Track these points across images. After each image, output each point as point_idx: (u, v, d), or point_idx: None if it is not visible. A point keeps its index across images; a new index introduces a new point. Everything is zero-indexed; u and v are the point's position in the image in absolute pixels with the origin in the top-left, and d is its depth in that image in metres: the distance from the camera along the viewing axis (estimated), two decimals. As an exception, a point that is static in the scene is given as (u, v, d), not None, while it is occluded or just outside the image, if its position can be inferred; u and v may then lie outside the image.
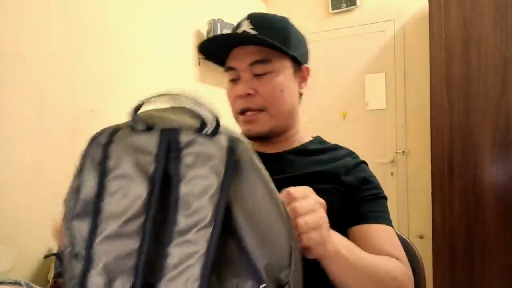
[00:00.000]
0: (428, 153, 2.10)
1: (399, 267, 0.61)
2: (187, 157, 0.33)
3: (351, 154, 0.77)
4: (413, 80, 2.53)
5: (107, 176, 0.35)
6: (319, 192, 0.65)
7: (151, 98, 0.36)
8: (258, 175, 0.35)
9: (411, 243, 0.79)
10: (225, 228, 0.32)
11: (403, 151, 2.55)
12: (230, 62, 0.72)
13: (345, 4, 2.71)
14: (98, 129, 0.41)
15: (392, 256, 0.62)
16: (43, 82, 1.27)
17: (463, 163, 1.86)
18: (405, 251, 0.79)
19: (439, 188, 1.95)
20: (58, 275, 1.16)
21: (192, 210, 0.32)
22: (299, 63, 0.75)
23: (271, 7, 3.02)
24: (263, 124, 0.71)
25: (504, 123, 1.73)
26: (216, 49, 0.73)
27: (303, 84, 0.77)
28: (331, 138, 0.82)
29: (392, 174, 2.57)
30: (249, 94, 0.70)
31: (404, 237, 0.81)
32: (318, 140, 0.81)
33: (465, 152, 1.85)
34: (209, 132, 0.34)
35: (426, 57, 2.14)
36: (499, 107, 1.75)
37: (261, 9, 2.93)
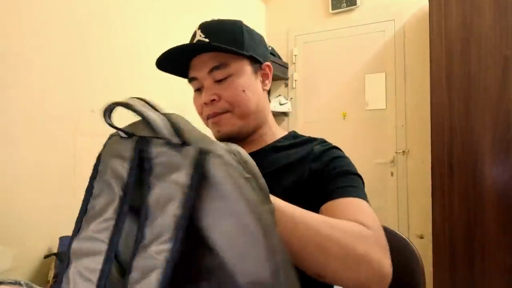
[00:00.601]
0: (428, 153, 2.10)
1: (359, 226, 0.55)
2: (156, 167, 0.33)
3: (322, 142, 0.76)
4: (413, 80, 2.53)
5: (95, 179, 0.37)
6: (286, 188, 0.67)
7: (107, 105, 0.36)
8: (233, 189, 0.32)
9: (411, 243, 0.79)
10: (200, 243, 0.31)
11: (403, 151, 2.55)
12: (191, 73, 0.75)
13: (345, 4, 2.71)
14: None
15: (361, 222, 0.57)
16: (44, 82, 1.27)
17: (463, 163, 1.86)
18: (405, 251, 0.79)
19: (439, 188, 1.95)
20: (58, 275, 1.16)
21: (155, 223, 0.31)
22: (258, 62, 0.76)
23: (271, 7, 3.02)
24: (231, 125, 0.73)
25: (504, 123, 1.73)
26: (175, 63, 0.75)
27: (266, 82, 0.78)
28: (331, 138, 0.81)
29: (392, 174, 2.57)
30: (213, 100, 0.72)
31: (404, 237, 0.81)
32: (292, 135, 0.82)
33: (465, 152, 1.85)
34: (178, 142, 0.33)
35: (426, 57, 2.14)
36: (499, 106, 1.75)
37: (261, 9, 2.93)
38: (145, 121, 0.35)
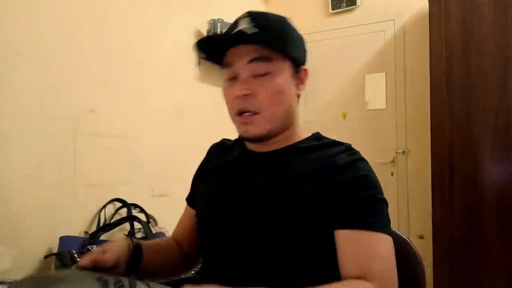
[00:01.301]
0: (428, 153, 2.10)
1: None
2: None
3: (348, 150, 0.71)
4: (413, 80, 2.52)
5: None
6: (304, 196, 0.64)
7: None
8: None
9: (411, 243, 0.79)
10: None
11: (403, 151, 2.55)
12: (228, 59, 0.70)
13: (345, 4, 2.70)
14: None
15: (366, 272, 0.58)
16: (43, 82, 1.27)
17: (463, 163, 1.86)
18: (405, 251, 0.79)
19: (439, 188, 1.95)
20: (58, 275, 1.16)
21: None
22: (297, 64, 0.73)
23: (271, 7, 3.02)
24: (260, 127, 0.69)
25: (504, 123, 1.73)
26: (213, 47, 0.71)
27: (301, 86, 0.74)
28: (331, 138, 0.81)
29: (392, 174, 2.57)
30: (246, 95, 0.67)
31: (404, 237, 0.81)
32: (315, 136, 0.78)
33: (465, 152, 1.85)
34: None
35: (426, 57, 2.14)
36: (499, 106, 1.75)
37: (261, 9, 2.93)
38: None
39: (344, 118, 2.76)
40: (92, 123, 1.44)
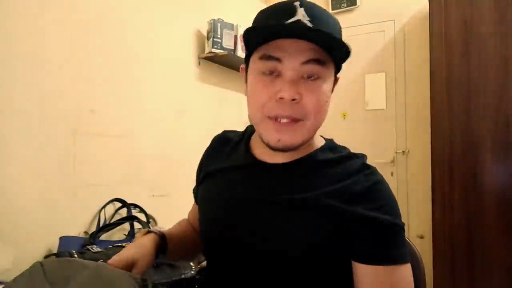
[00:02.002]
0: (428, 153, 2.10)
1: None
2: None
3: (364, 169, 0.64)
4: (413, 80, 2.53)
5: None
6: (317, 222, 0.59)
7: None
8: None
9: (411, 243, 0.79)
10: None
11: (403, 151, 2.55)
12: (275, 52, 0.58)
13: (345, 4, 2.71)
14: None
15: None
16: (43, 82, 1.27)
17: (463, 163, 1.86)
18: (405, 251, 0.79)
19: (439, 188, 1.95)
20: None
21: None
22: (338, 71, 0.66)
23: (271, 7, 3.02)
24: (298, 137, 0.60)
25: (504, 123, 1.73)
26: (262, 35, 0.59)
27: (331, 94, 0.66)
28: (331, 138, 0.80)
29: (392, 174, 2.57)
30: (293, 100, 0.57)
31: (404, 237, 0.81)
32: (328, 145, 0.70)
33: (465, 152, 1.85)
34: None
35: (426, 57, 2.14)
36: (499, 107, 1.75)
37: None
38: None
39: (344, 118, 2.76)
40: (92, 123, 1.44)
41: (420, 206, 2.40)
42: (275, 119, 0.59)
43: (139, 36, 1.71)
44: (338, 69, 0.65)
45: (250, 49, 0.63)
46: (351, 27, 2.72)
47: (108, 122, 1.52)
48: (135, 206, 1.58)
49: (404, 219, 0.63)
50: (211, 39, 2.01)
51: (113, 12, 1.57)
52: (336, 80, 0.67)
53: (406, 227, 0.64)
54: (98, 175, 1.46)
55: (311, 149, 0.67)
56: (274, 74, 0.59)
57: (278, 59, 0.58)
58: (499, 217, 1.74)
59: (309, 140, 0.63)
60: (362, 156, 0.68)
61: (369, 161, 0.70)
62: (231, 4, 2.44)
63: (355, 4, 2.67)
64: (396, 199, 0.66)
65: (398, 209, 0.63)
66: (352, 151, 0.71)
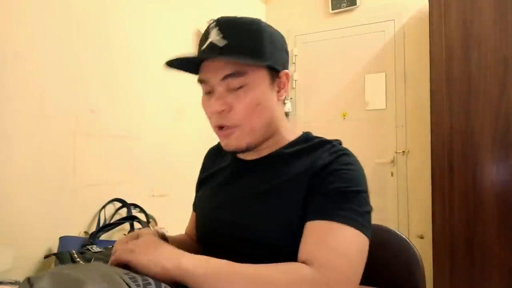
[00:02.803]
0: (428, 153, 2.10)
1: (286, 271, 0.52)
2: None
3: (331, 148, 0.68)
4: (413, 80, 2.53)
5: None
6: (284, 206, 0.64)
7: None
8: None
9: (411, 243, 0.79)
10: None
11: (403, 151, 2.55)
12: (202, 75, 0.68)
13: (345, 4, 2.71)
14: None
15: (310, 259, 0.54)
16: (43, 82, 1.27)
17: (463, 163, 1.86)
18: (405, 251, 0.79)
19: (439, 188, 1.95)
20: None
21: None
22: (276, 70, 0.69)
23: (271, 7, 3.02)
24: (239, 140, 0.68)
25: (504, 123, 1.73)
26: (186, 64, 0.69)
27: (282, 91, 0.71)
28: (331, 138, 0.80)
29: (392, 174, 2.57)
30: (223, 110, 0.66)
31: (404, 237, 0.81)
32: (304, 137, 0.75)
33: (465, 152, 1.85)
34: None
35: (426, 57, 2.14)
36: (499, 107, 1.75)
37: (261, 9, 2.93)
38: None
39: (344, 118, 2.76)
40: (92, 123, 1.44)
41: (420, 206, 2.40)
42: (219, 128, 0.69)
43: (139, 36, 1.71)
44: (278, 67, 0.69)
45: (194, 73, 0.72)
46: (351, 27, 2.72)
47: (108, 122, 1.52)
48: (135, 206, 1.58)
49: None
50: (211, 39, 2.01)
51: (113, 12, 1.57)
52: (285, 76, 0.71)
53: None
54: (98, 175, 1.46)
55: (285, 142, 0.74)
56: (211, 93, 0.68)
57: (205, 81, 0.68)
58: (499, 217, 1.74)
59: (256, 141, 0.70)
60: (336, 141, 0.72)
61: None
62: (231, 4, 2.44)
63: (355, 4, 2.67)
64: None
65: (359, 179, 0.63)
66: (352, 151, 0.71)
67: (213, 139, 0.94)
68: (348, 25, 2.73)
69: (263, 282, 0.51)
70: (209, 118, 0.71)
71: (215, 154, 0.88)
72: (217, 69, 0.65)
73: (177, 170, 1.85)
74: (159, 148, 1.80)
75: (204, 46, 0.67)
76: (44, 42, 1.28)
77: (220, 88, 0.66)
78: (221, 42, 0.64)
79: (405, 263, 0.78)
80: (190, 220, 0.91)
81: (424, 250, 2.03)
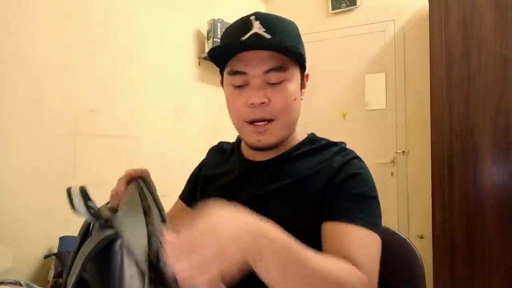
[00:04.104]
0: (428, 153, 2.10)
1: (350, 272, 0.51)
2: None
3: (342, 151, 0.71)
4: (413, 80, 2.53)
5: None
6: (299, 204, 0.65)
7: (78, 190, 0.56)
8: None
9: (411, 243, 0.79)
10: None
11: (403, 151, 2.55)
12: (240, 66, 0.66)
13: (345, 4, 2.71)
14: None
15: (353, 262, 0.54)
16: (43, 82, 1.27)
17: (463, 163, 1.86)
18: (405, 251, 0.79)
19: (439, 188, 1.95)
20: (58, 275, 1.16)
21: None
22: (303, 70, 0.72)
23: (271, 7, 3.02)
24: (274, 136, 0.68)
25: (504, 123, 1.73)
26: (225, 53, 0.68)
27: (303, 91, 0.74)
28: (331, 138, 0.80)
29: (392, 174, 2.57)
30: (262, 103, 0.65)
31: (404, 237, 0.81)
32: (309, 138, 0.77)
33: (465, 152, 1.85)
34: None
35: (426, 57, 2.14)
36: (499, 107, 1.75)
37: (261, 9, 2.93)
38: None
39: (344, 118, 2.76)
40: (92, 123, 1.44)
41: (420, 206, 2.40)
42: (252, 122, 0.67)
43: (139, 36, 1.71)
44: (304, 67, 0.72)
45: (219, 65, 0.72)
46: (351, 27, 2.72)
47: (108, 122, 1.52)
48: (135, 206, 1.57)
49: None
50: (211, 39, 2.01)
51: (113, 12, 1.57)
52: (307, 76, 0.74)
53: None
54: (98, 175, 1.46)
55: (294, 143, 0.75)
56: (245, 86, 0.67)
57: (243, 73, 0.66)
58: (499, 217, 1.74)
59: (286, 136, 0.71)
60: (342, 143, 0.75)
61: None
62: (231, 4, 2.44)
63: (355, 4, 2.67)
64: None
65: (372, 184, 0.67)
66: (344, 148, 0.75)
67: (213, 139, 0.94)
68: (348, 25, 2.73)
69: (333, 281, 0.47)
70: (239, 112, 0.68)
71: (218, 154, 0.87)
72: (259, 62, 0.64)
73: (177, 170, 1.85)
74: (159, 148, 1.80)
75: (247, 36, 0.64)
76: (44, 42, 1.28)
77: (259, 81, 0.65)
78: (267, 35, 0.64)
79: (405, 263, 0.78)
80: (175, 208, 0.88)
81: (424, 250, 2.03)
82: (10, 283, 0.80)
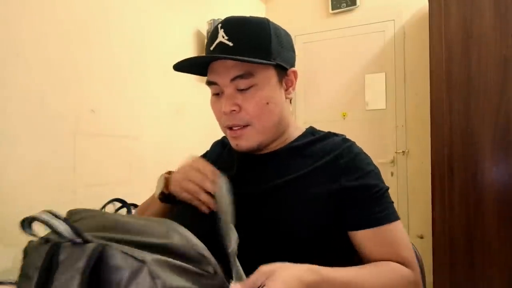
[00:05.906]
0: (428, 153, 2.10)
1: (399, 275, 0.60)
2: (61, 265, 0.46)
3: (344, 143, 0.72)
4: (413, 80, 2.53)
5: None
6: (310, 200, 0.65)
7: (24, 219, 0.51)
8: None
9: (411, 243, 0.79)
10: None
11: (403, 151, 2.55)
12: (211, 77, 0.69)
13: (345, 4, 2.71)
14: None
15: (398, 260, 0.62)
16: (44, 82, 1.27)
17: (463, 163, 1.86)
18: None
19: (439, 188, 1.95)
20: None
21: None
22: (284, 68, 0.70)
23: (271, 7, 3.02)
24: (250, 140, 0.69)
25: (504, 123, 1.73)
26: (194, 66, 0.71)
27: (290, 89, 0.73)
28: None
29: (392, 174, 2.57)
30: (233, 111, 0.67)
31: (404, 237, 0.81)
32: (309, 131, 0.78)
33: (465, 152, 1.85)
34: (80, 241, 0.44)
35: (426, 57, 2.14)
36: (499, 107, 1.75)
37: (261, 9, 2.93)
38: (52, 229, 0.46)
39: (344, 118, 2.76)
40: (92, 123, 1.44)
41: (420, 206, 2.40)
42: (230, 128, 0.70)
43: (139, 36, 1.71)
44: (286, 66, 0.70)
45: (200, 74, 0.73)
46: (351, 27, 2.72)
47: (108, 122, 1.52)
48: (135, 206, 1.57)
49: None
50: (211, 39, 2.01)
51: (113, 12, 1.57)
52: (293, 73, 0.72)
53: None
54: (98, 175, 1.46)
55: (290, 139, 0.75)
56: (220, 94, 0.69)
57: (214, 83, 0.68)
58: (499, 217, 1.74)
59: (267, 139, 0.71)
60: (342, 135, 0.76)
61: None
62: (231, 4, 2.44)
63: (355, 4, 2.67)
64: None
65: (379, 172, 0.70)
66: (346, 139, 0.77)
67: (213, 139, 0.94)
68: (348, 25, 2.73)
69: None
70: (219, 119, 0.71)
71: (219, 148, 0.87)
72: (225, 71, 0.66)
73: (177, 170, 1.85)
74: (159, 148, 1.80)
75: (213, 46, 0.67)
76: (44, 42, 1.28)
77: (229, 89, 0.67)
78: (229, 42, 0.65)
79: (405, 263, 0.78)
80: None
81: (424, 250, 2.03)
82: (10, 283, 0.80)
